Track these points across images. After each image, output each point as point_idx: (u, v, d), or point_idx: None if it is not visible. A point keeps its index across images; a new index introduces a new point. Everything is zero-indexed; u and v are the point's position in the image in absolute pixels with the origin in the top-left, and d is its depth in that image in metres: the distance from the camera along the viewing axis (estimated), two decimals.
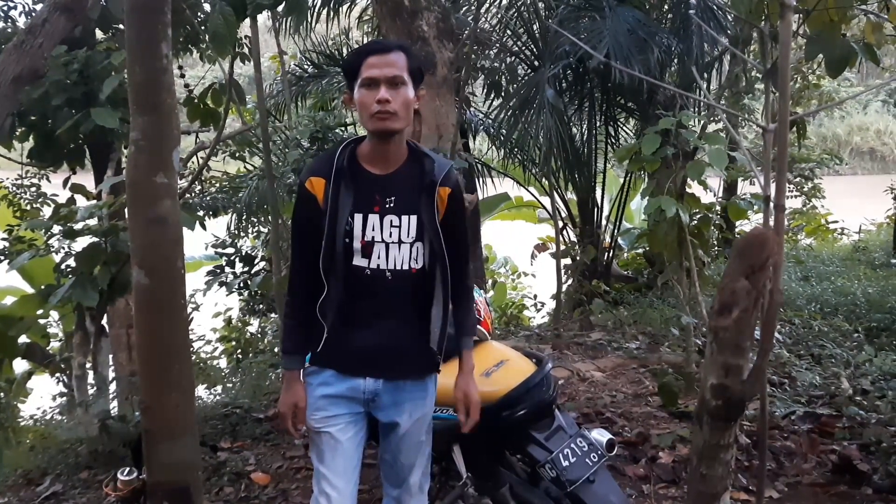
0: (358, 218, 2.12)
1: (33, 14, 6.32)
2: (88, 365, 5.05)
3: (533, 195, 9.80)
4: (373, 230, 2.13)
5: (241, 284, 7.37)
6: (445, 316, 2.22)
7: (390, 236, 2.13)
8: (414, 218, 2.15)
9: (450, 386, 2.33)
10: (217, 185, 8.21)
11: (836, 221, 12.75)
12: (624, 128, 8.75)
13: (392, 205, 2.14)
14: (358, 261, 2.14)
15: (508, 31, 8.02)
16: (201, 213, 6.69)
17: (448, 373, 2.65)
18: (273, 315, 7.53)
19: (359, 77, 2.08)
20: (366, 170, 2.15)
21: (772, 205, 1.55)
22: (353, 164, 2.15)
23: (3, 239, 5.92)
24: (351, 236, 2.12)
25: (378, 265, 2.14)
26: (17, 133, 5.90)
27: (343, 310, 2.16)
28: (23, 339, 3.92)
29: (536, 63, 7.71)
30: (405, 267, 2.15)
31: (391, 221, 2.14)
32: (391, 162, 2.16)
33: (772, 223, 1.56)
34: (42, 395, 6.19)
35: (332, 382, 2.21)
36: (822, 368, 5.23)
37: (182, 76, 5.85)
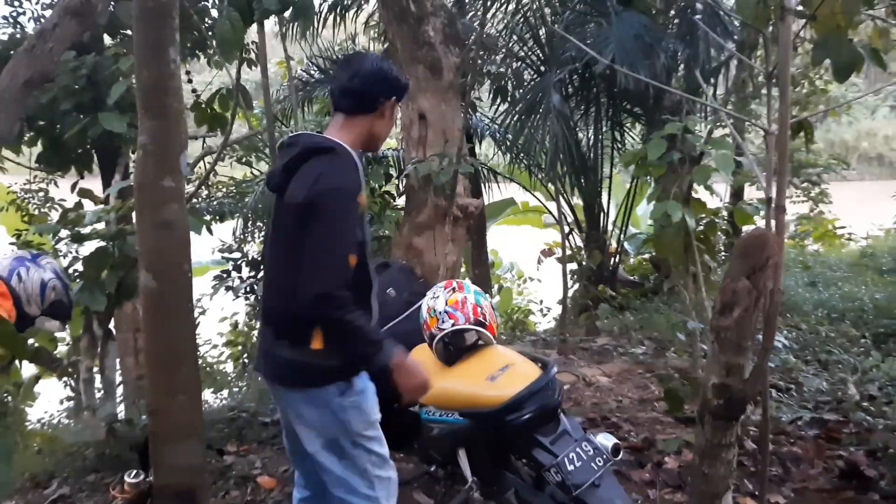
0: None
1: (42, 20, 6.36)
2: (96, 369, 5.08)
3: (539, 200, 9.80)
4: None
5: (248, 289, 7.40)
6: None
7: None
8: None
9: (452, 389, 2.33)
10: (224, 189, 8.26)
11: (844, 227, 12.66)
12: (630, 133, 8.75)
13: None
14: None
15: (514, 37, 8.03)
16: (208, 217, 6.72)
17: (448, 375, 2.66)
18: None
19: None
20: None
21: (773, 206, 1.56)
22: None
23: (12, 244, 5.95)
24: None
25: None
26: (26, 138, 5.94)
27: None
28: (30, 342, 3.94)
29: (542, 68, 7.71)
30: None
31: None
32: None
33: (773, 224, 1.56)
34: (49, 399, 6.22)
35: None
36: (829, 374, 5.20)
37: (189, 81, 5.87)
